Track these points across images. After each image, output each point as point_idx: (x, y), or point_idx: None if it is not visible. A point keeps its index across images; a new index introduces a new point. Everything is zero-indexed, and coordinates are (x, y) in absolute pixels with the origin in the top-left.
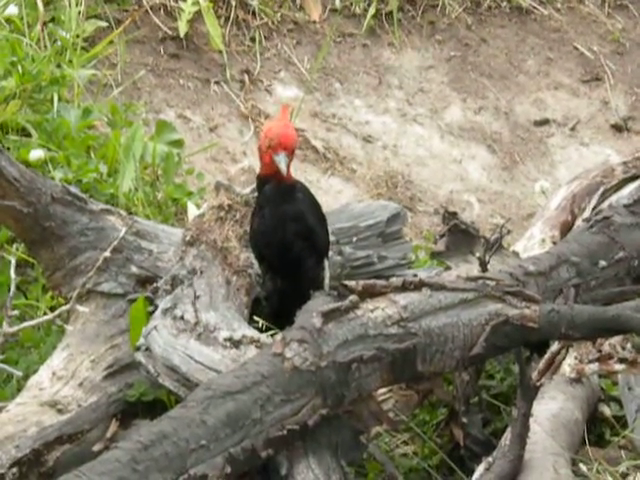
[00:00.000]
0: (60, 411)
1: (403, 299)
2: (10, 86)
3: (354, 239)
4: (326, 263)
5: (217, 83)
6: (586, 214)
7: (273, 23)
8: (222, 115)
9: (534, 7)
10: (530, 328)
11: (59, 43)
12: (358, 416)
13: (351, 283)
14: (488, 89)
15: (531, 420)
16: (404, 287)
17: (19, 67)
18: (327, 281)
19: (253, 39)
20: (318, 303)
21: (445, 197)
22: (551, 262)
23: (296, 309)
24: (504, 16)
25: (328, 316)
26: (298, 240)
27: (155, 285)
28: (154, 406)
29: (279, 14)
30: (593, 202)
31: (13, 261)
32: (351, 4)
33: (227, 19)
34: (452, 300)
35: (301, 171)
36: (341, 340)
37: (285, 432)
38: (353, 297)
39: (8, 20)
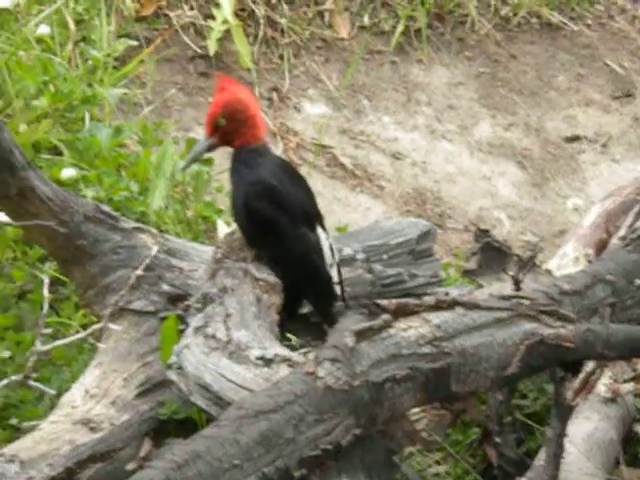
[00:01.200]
0: (93, 429)
1: (436, 318)
2: (42, 105)
3: (384, 257)
4: (321, 231)
5: None
6: (622, 232)
7: (302, 41)
8: None
9: (564, 23)
10: (565, 348)
11: (90, 62)
12: (391, 436)
13: (384, 302)
14: (518, 105)
15: (566, 440)
16: (437, 306)
17: (51, 86)
18: (328, 252)
19: (282, 57)
20: (350, 322)
21: (475, 214)
22: (586, 281)
23: (298, 286)
24: (534, 32)
25: (361, 335)
26: (262, 202)
27: (186, 303)
28: (185, 424)
29: (308, 32)
30: (629, 220)
31: (46, 280)
32: (379, 21)
33: (256, 37)
34: (486, 319)
35: (330, 188)
36: (374, 359)
37: (318, 452)
38: (386, 316)
39: (40, 40)
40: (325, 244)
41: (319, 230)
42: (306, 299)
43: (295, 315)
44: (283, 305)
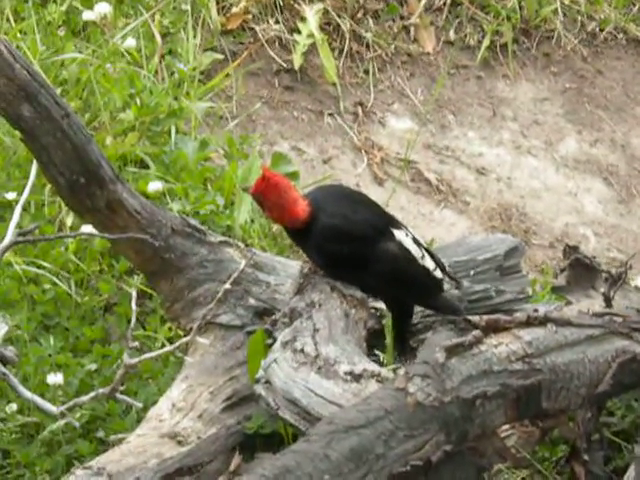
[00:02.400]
0: (180, 443)
1: (527, 335)
2: (129, 118)
3: (472, 272)
4: (398, 232)
5: (331, 115)
6: None
7: (387, 55)
8: (335, 147)
9: None
10: None
11: (176, 75)
12: (482, 452)
13: (474, 318)
14: (604, 121)
15: None
16: (528, 322)
17: (137, 99)
18: (414, 246)
19: (367, 71)
20: (441, 338)
21: (560, 230)
22: None
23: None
24: (620, 48)
25: (451, 351)
26: (332, 244)
27: (274, 317)
28: (271, 438)
29: (393, 46)
30: None
31: (134, 293)
32: (465, 36)
33: (341, 52)
34: (578, 336)
35: (414, 203)
36: (465, 376)
37: (408, 468)
38: (477, 332)
39: (126, 52)
40: (407, 241)
41: (395, 232)
42: (416, 304)
43: (410, 332)
44: (395, 330)
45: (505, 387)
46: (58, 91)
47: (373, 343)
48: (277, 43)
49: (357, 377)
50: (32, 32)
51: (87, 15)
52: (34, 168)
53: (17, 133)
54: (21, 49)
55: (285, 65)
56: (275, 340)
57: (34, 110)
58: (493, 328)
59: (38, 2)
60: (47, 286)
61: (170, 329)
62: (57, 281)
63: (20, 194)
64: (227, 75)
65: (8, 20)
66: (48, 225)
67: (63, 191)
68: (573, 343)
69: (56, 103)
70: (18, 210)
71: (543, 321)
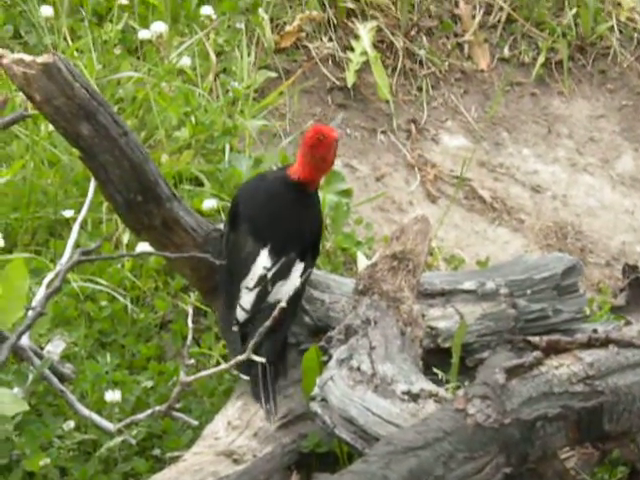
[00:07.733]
0: (236, 461)
1: (589, 356)
2: (184, 136)
3: (528, 292)
4: (267, 254)
5: (384, 133)
6: None
7: (440, 72)
8: (388, 164)
9: None
10: None
11: (231, 94)
12: (542, 475)
13: (535, 339)
14: None
15: None
16: (590, 344)
17: (192, 117)
18: (257, 273)
19: (420, 88)
20: (500, 358)
21: (617, 249)
22: None
23: None
24: None
25: (512, 372)
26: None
27: (329, 334)
28: (326, 457)
29: (447, 63)
30: None
31: (190, 310)
32: (520, 53)
33: (394, 69)
34: None
35: (468, 221)
36: (525, 397)
37: None
38: (537, 353)
39: (181, 71)
40: (258, 264)
41: (265, 252)
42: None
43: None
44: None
45: (566, 409)
46: (115, 109)
47: (429, 362)
48: (330, 61)
49: (415, 397)
50: (88, 51)
51: (143, 34)
52: (92, 186)
53: (75, 151)
54: (78, 68)
55: (338, 83)
56: (330, 357)
57: (93, 129)
58: (554, 349)
59: (94, 21)
60: (104, 303)
61: (225, 346)
62: (116, 297)
63: (77, 212)
64: (281, 93)
65: (65, 39)
66: (105, 243)
67: (121, 209)
68: (635, 364)
69: (114, 122)
70: (76, 228)
71: (604, 342)
